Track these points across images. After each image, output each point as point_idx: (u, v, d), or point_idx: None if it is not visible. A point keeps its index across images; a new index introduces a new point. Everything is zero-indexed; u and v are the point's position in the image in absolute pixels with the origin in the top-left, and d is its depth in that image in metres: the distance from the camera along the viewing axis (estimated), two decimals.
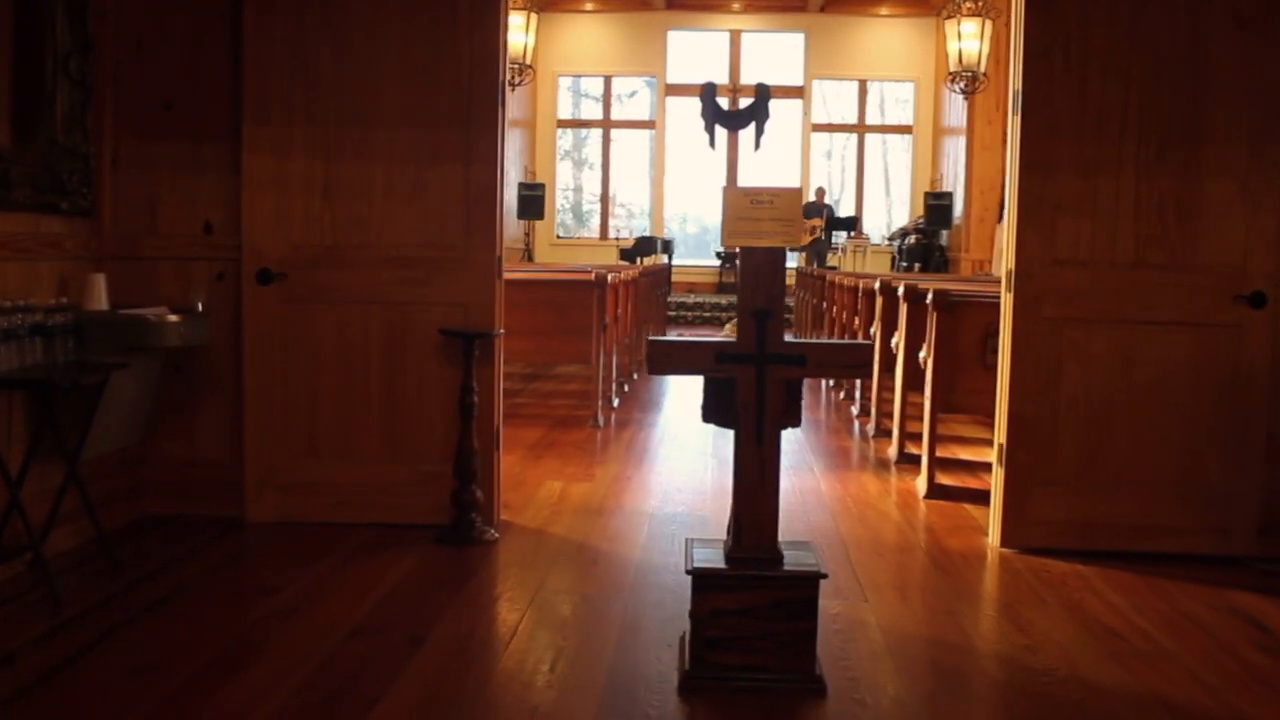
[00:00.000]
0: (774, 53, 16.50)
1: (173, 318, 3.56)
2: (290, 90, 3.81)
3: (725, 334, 13.04)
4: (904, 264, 14.41)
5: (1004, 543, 3.83)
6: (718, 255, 16.13)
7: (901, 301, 5.11)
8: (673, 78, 16.18)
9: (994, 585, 3.51)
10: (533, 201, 14.69)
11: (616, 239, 15.94)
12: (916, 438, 5.47)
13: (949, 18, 11.74)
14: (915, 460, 5.21)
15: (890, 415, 5.78)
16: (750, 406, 2.53)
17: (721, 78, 15.98)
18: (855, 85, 16.34)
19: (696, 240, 19.01)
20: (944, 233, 14.53)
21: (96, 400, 3.37)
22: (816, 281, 9.63)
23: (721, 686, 2.55)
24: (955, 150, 14.61)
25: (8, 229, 3.34)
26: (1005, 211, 11.63)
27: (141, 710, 2.41)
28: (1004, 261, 3.84)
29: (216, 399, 4.04)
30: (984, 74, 11.75)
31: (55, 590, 3.10)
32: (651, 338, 2.56)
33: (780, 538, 2.60)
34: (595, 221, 17.26)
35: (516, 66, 12.35)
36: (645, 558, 3.66)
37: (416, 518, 3.91)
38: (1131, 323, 3.73)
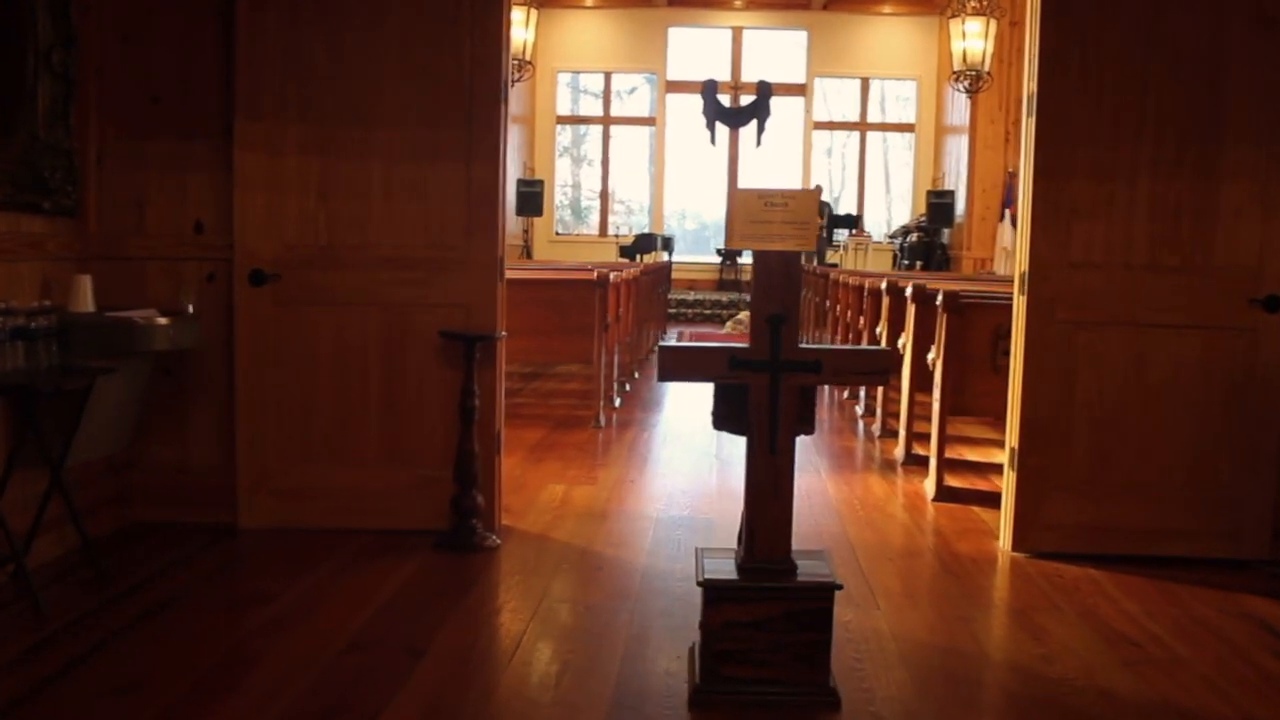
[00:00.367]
0: (776, 50, 16.41)
1: (161, 320, 3.47)
2: (284, 85, 3.71)
3: (728, 330, 12.95)
4: (905, 262, 14.34)
5: (1015, 547, 3.75)
6: (718, 252, 16.05)
7: (909, 302, 5.03)
8: (673, 74, 16.08)
9: (1006, 591, 3.42)
10: (531, 198, 14.60)
11: (616, 236, 15.85)
12: (923, 438, 5.39)
13: (953, 17, 11.65)
14: (922, 461, 5.13)
15: (896, 415, 5.69)
16: (763, 414, 2.44)
17: (723, 75, 15.88)
18: (857, 83, 16.25)
19: (696, 236, 18.92)
20: (945, 231, 14.46)
21: (81, 406, 3.28)
22: (820, 280, 9.54)
23: (733, 700, 2.47)
24: (957, 149, 14.52)
25: None
26: (1017, 211, 11.57)
27: None
28: (1017, 264, 3.76)
29: (208, 403, 3.95)
30: (988, 73, 11.66)
31: (38, 603, 3.00)
32: (662, 344, 2.48)
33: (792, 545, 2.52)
34: (594, 218, 17.17)
35: (516, 62, 12.25)
36: (651, 564, 3.58)
37: (415, 523, 3.82)
38: (1145, 326, 3.66)
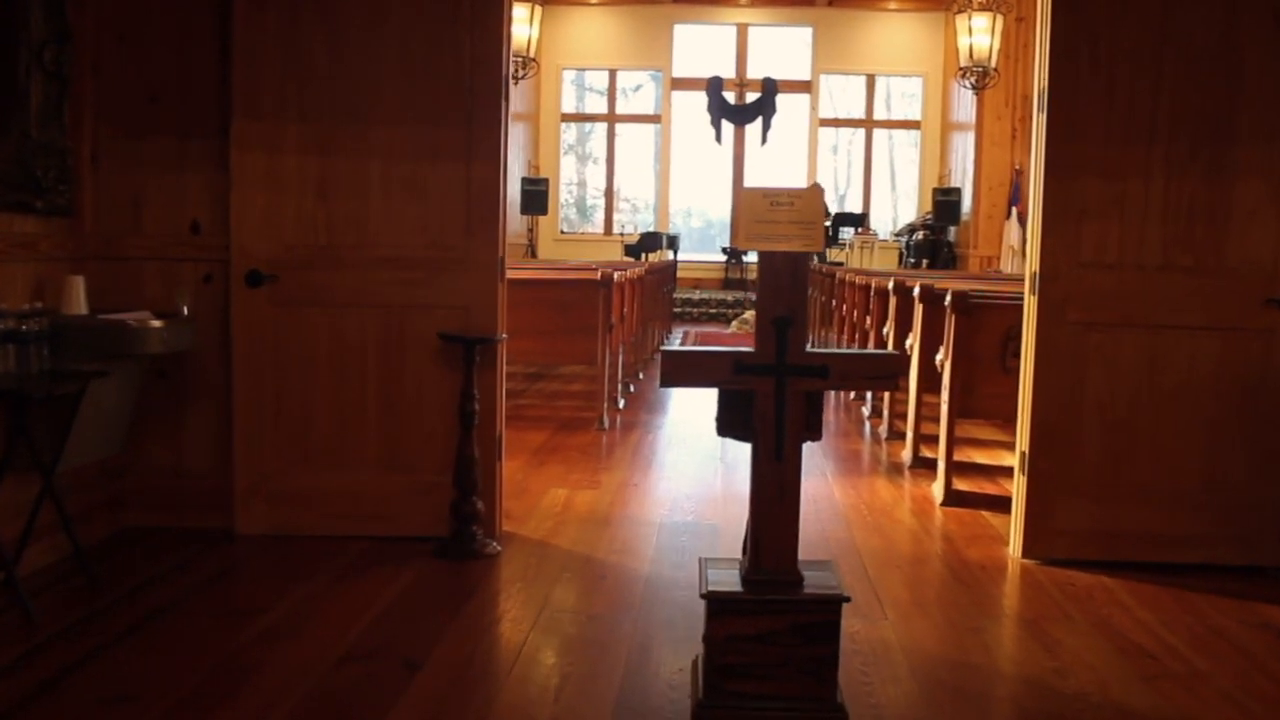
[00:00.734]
0: (781, 47, 16.32)
1: (155, 323, 3.40)
2: (282, 84, 3.65)
3: (733, 330, 12.87)
4: (911, 260, 14.25)
5: (1025, 553, 3.68)
6: (724, 251, 15.97)
7: (917, 302, 4.95)
8: (679, 72, 16.00)
9: (1017, 600, 3.35)
10: (536, 196, 14.54)
11: (621, 234, 15.79)
12: (930, 440, 5.32)
13: (959, 12, 11.56)
14: (930, 464, 5.06)
15: (903, 417, 5.62)
16: (769, 420, 2.37)
17: (728, 72, 15.81)
18: (863, 80, 16.15)
19: (701, 235, 18.85)
20: (952, 229, 14.37)
21: (74, 410, 3.21)
22: (825, 279, 9.45)
23: (737, 717, 2.39)
24: (964, 146, 14.42)
25: None
26: (1024, 209, 11.48)
27: None
28: (1027, 264, 3.68)
29: (204, 406, 3.89)
30: (995, 69, 11.57)
31: (28, 612, 2.94)
32: (665, 348, 2.40)
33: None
34: (600, 217, 17.10)
35: (520, 60, 12.18)
36: (654, 572, 3.51)
37: (414, 529, 3.76)
38: (1158, 327, 3.58)
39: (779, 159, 16.17)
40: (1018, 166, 13.21)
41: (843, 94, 16.58)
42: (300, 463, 3.79)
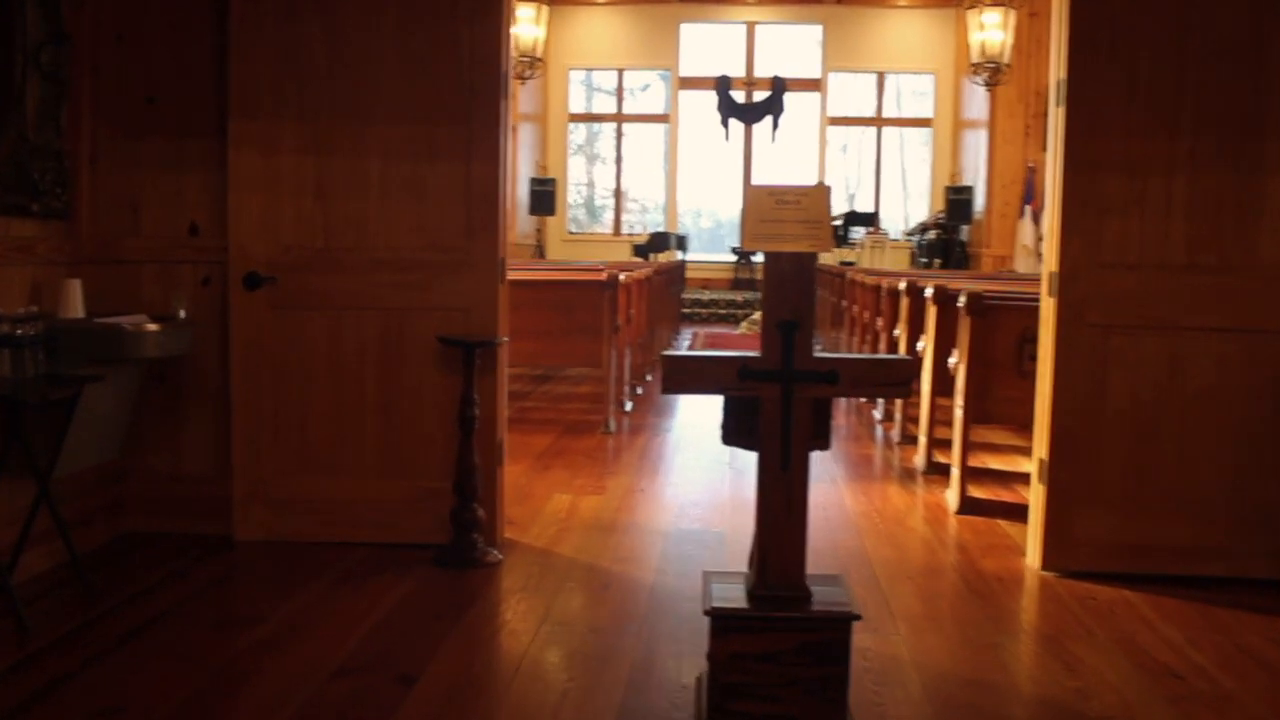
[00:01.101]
0: (790, 45, 16.21)
1: (151, 327, 3.33)
2: (280, 82, 3.57)
3: (742, 331, 12.77)
4: (923, 260, 14.12)
5: (1044, 565, 3.56)
6: (733, 251, 15.87)
7: (930, 304, 4.84)
8: (686, 71, 15.90)
9: (1036, 615, 3.24)
10: (544, 197, 14.47)
11: (630, 235, 15.70)
12: (944, 445, 5.21)
13: (971, 7, 11.43)
14: (943, 470, 4.95)
15: (916, 420, 5.51)
16: (775, 428, 2.27)
17: (737, 70, 15.69)
18: (873, 78, 16.02)
19: (711, 235, 18.75)
20: (964, 228, 14.23)
21: (69, 415, 3.14)
22: (835, 279, 9.34)
23: None
24: (976, 143, 14.29)
25: None
26: (1038, 207, 11.34)
27: None
28: (1045, 263, 3.57)
29: (202, 410, 3.81)
30: (1007, 65, 11.44)
31: (22, 620, 2.88)
32: (666, 353, 2.30)
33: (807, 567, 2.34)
34: (608, 217, 17.02)
35: (527, 60, 12.12)
36: (659, 582, 3.41)
37: (414, 536, 3.68)
38: (1182, 329, 3.45)
39: (788, 158, 16.06)
40: (1031, 164, 13.07)
41: (852, 92, 16.45)
42: (299, 468, 3.72)
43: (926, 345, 5.00)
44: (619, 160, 16.76)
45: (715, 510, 4.37)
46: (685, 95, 15.98)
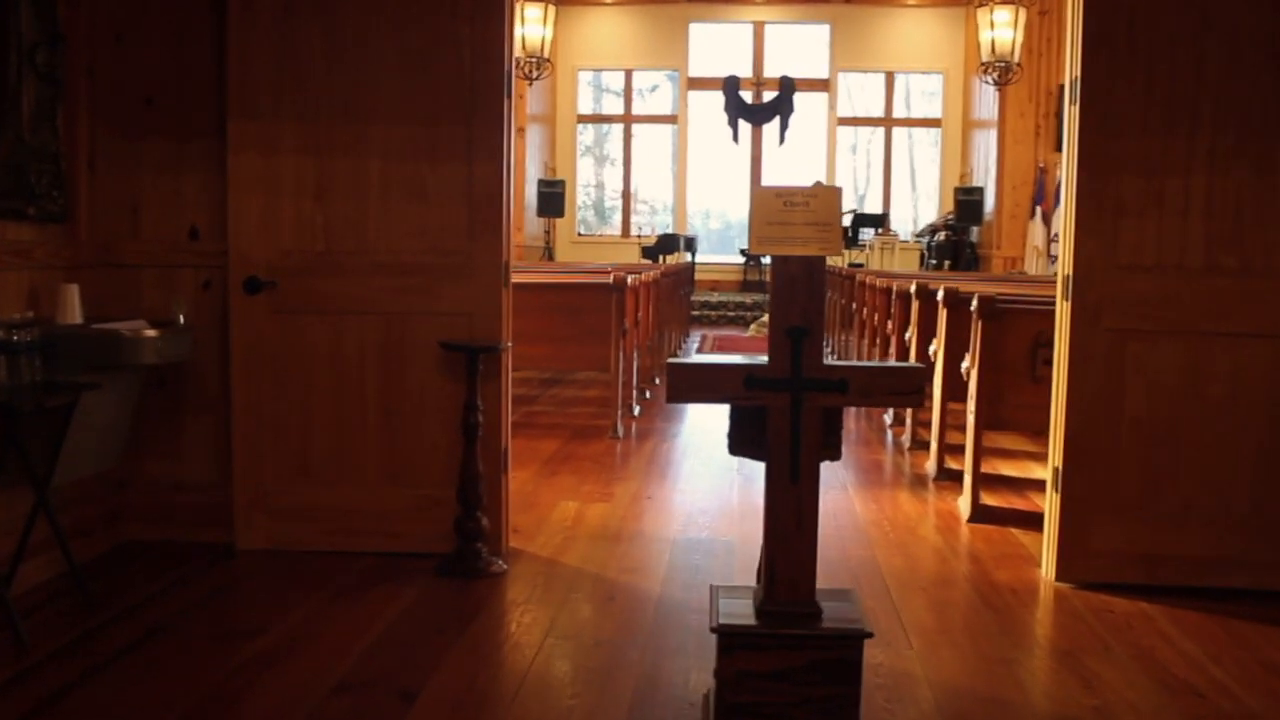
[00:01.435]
0: (798, 45, 16.13)
1: (150, 332, 3.27)
2: (278, 83, 3.51)
3: (751, 333, 12.69)
4: (933, 261, 14.02)
5: (1059, 576, 3.48)
6: (741, 253, 15.79)
7: (941, 307, 4.76)
8: (695, 71, 15.84)
9: (1051, 628, 3.16)
10: (552, 199, 14.41)
11: (638, 236, 15.63)
12: (956, 450, 5.13)
13: (981, 6, 11.33)
14: (955, 476, 4.87)
15: (927, 425, 5.43)
16: (783, 438, 2.20)
17: (745, 71, 15.63)
18: (882, 77, 15.93)
19: (720, 236, 18.68)
20: (974, 229, 14.13)
21: (66, 423, 3.09)
22: (845, 281, 9.26)
23: None
24: (986, 143, 14.19)
25: None
26: (1049, 208, 11.22)
27: None
28: (1060, 266, 3.49)
29: (204, 417, 3.76)
30: (1018, 64, 11.34)
31: (19, 633, 2.82)
32: (671, 360, 2.24)
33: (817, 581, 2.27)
34: (617, 218, 16.95)
35: (535, 60, 12.06)
36: (666, 593, 3.34)
37: (417, 545, 3.62)
38: (1202, 334, 3.37)
39: (797, 159, 15.98)
40: (1042, 164, 12.98)
41: (861, 92, 16.37)
42: (300, 476, 3.66)
43: (938, 349, 4.92)
44: (627, 161, 16.70)
45: (723, 518, 4.30)
46: (694, 96, 15.91)
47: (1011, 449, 5.68)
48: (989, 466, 5.07)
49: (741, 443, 2.29)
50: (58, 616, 3.05)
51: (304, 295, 3.57)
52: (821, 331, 2.19)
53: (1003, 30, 10.91)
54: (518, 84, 13.17)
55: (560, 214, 14.67)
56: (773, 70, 15.64)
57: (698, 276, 14.91)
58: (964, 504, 4.38)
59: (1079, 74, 3.33)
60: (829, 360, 2.21)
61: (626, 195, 16.74)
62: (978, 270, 13.72)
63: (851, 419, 6.97)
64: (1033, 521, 4.13)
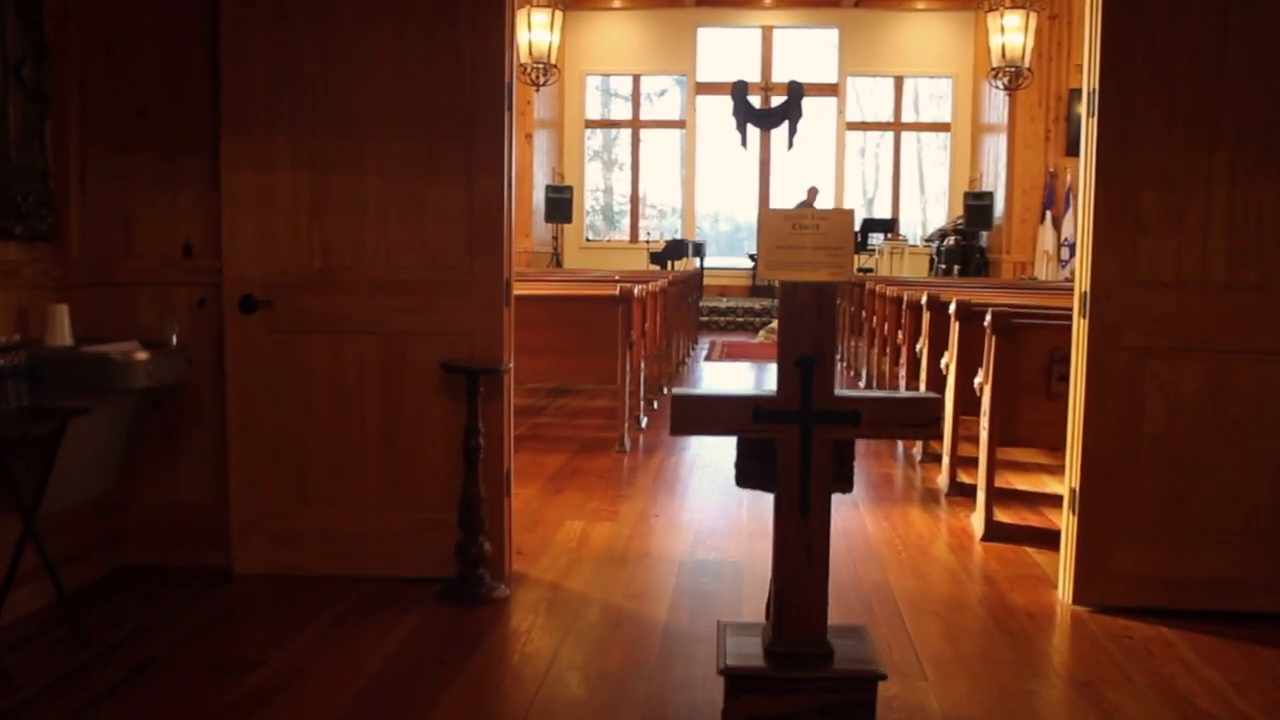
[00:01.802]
0: (807, 49, 16.04)
1: (141, 355, 3.19)
2: (272, 96, 3.43)
3: (761, 339, 12.59)
4: (943, 266, 13.91)
5: (1076, 599, 3.38)
6: (750, 257, 15.69)
7: (953, 320, 4.66)
8: (703, 76, 15.76)
9: (1069, 656, 3.06)
10: (560, 205, 14.34)
11: (647, 241, 15.55)
12: (968, 463, 5.03)
13: (990, 10, 11.23)
14: (968, 491, 4.78)
15: (939, 437, 5.32)
16: (793, 473, 2.11)
17: (753, 75, 15.53)
18: (890, 81, 15.82)
19: (729, 239, 18.60)
20: (984, 234, 14.01)
21: (55, 449, 3.01)
22: (854, 288, 9.16)
23: None
24: (995, 148, 14.08)
25: None
26: (1059, 213, 11.10)
27: None
28: (1077, 282, 3.39)
29: (200, 438, 3.69)
30: (1028, 69, 11.23)
31: (5, 668, 2.74)
32: (675, 392, 2.15)
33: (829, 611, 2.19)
34: (626, 223, 16.88)
35: (542, 66, 12.00)
36: (673, 621, 3.25)
37: (419, 570, 3.53)
38: (1223, 352, 3.27)
39: (806, 163, 15.88)
40: (1052, 168, 12.86)
41: (870, 96, 16.26)
42: (299, 499, 3.58)
43: (949, 362, 4.82)
44: (635, 166, 16.62)
45: (732, 537, 4.20)
46: (702, 100, 15.83)
47: (1025, 461, 5.58)
48: (1002, 481, 4.97)
49: (749, 475, 2.21)
50: (47, 649, 2.97)
51: (301, 314, 3.50)
52: (833, 361, 2.10)
53: (1013, 35, 10.81)
54: (524, 90, 13.14)
55: (568, 220, 14.60)
56: (781, 75, 15.56)
57: (706, 282, 14.82)
58: (977, 521, 4.29)
59: (1096, 85, 3.24)
60: (840, 389, 2.11)
61: (635, 200, 16.66)
62: (987, 275, 13.60)
63: None
64: (1048, 539, 4.03)
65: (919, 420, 2.12)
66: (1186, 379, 3.27)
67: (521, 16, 11.82)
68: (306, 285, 3.49)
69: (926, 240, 15.14)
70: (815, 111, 15.20)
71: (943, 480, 5.02)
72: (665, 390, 8.13)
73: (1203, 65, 3.19)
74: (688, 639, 3.08)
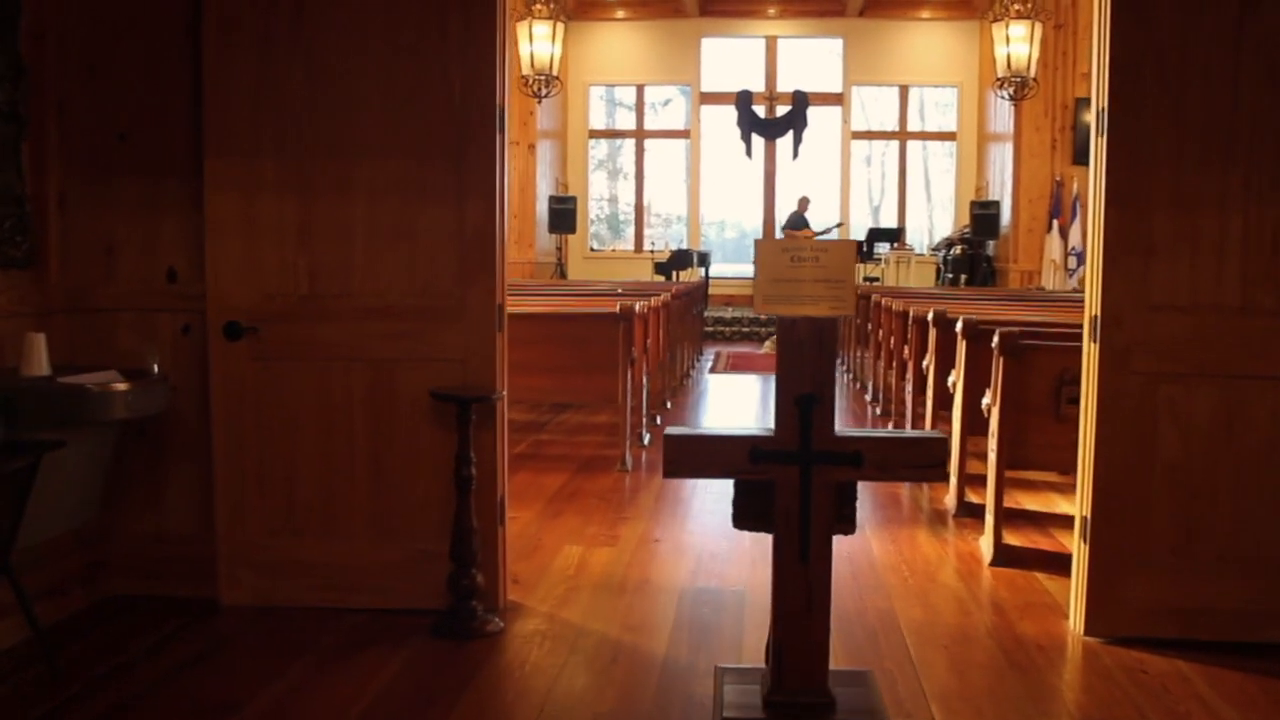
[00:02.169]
0: (811, 59, 15.95)
1: (119, 386, 3.09)
2: (257, 117, 3.34)
3: (766, 350, 12.49)
4: (949, 276, 13.80)
5: (1088, 630, 3.27)
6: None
7: (959, 338, 4.56)
8: (707, 86, 15.68)
9: (1082, 693, 2.95)
10: (564, 215, 14.27)
11: (651, 251, 15.45)
12: (975, 481, 4.93)
13: (995, 21, 11.13)
14: (976, 512, 4.67)
15: (945, 480, 5.20)
16: (792, 516, 2.01)
17: (757, 85, 15.45)
18: (895, 91, 15.72)
19: (735, 245, 18.49)
20: (991, 243, 13.90)
21: (29, 484, 2.92)
22: (861, 301, 9.05)
23: None
24: (1001, 157, 13.97)
25: None
26: (1066, 222, 10.95)
27: None
28: (1087, 307, 3.28)
29: (186, 467, 3.59)
30: (1034, 79, 11.13)
31: None
32: (668, 432, 2.05)
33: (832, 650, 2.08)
34: (631, 232, 16.79)
35: (543, 78, 11.94)
36: (671, 656, 3.14)
37: (411, 601, 3.44)
38: (1239, 378, 3.15)
39: (811, 173, 15.78)
40: (1058, 177, 12.75)
41: (875, 105, 16.17)
42: (286, 529, 3.49)
43: (956, 380, 4.72)
44: (639, 176, 16.54)
45: (735, 563, 4.10)
46: (707, 110, 15.75)
47: (1033, 480, 5.45)
48: (1011, 500, 4.85)
49: (747, 516, 2.11)
50: (22, 689, 2.87)
51: (287, 341, 3.41)
52: (833, 398, 2.00)
53: (1018, 45, 10.70)
54: (527, 101, 13.08)
55: (572, 230, 14.52)
56: (786, 84, 15.46)
57: (713, 290, 14.72)
58: (986, 545, 4.18)
59: (1106, 103, 3.13)
60: (840, 428, 2.01)
61: (639, 209, 16.58)
62: (994, 284, 13.49)
63: None
64: (1058, 564, 3.93)
65: (924, 462, 2.02)
66: (1201, 405, 3.16)
67: (523, 28, 11.75)
68: (293, 311, 3.40)
69: (933, 249, 15.03)
70: (820, 121, 15.11)
71: (950, 500, 4.91)
72: (669, 405, 8.03)
73: (1215, 83, 3.09)
74: (686, 676, 2.97)
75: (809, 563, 2.03)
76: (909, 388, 6.25)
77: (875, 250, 14.39)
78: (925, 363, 5.58)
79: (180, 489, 3.61)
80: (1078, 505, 3.36)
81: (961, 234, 14.05)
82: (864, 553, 4.20)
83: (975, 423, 4.50)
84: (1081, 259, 12.11)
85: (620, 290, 8.76)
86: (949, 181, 15.89)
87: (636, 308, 5.88)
